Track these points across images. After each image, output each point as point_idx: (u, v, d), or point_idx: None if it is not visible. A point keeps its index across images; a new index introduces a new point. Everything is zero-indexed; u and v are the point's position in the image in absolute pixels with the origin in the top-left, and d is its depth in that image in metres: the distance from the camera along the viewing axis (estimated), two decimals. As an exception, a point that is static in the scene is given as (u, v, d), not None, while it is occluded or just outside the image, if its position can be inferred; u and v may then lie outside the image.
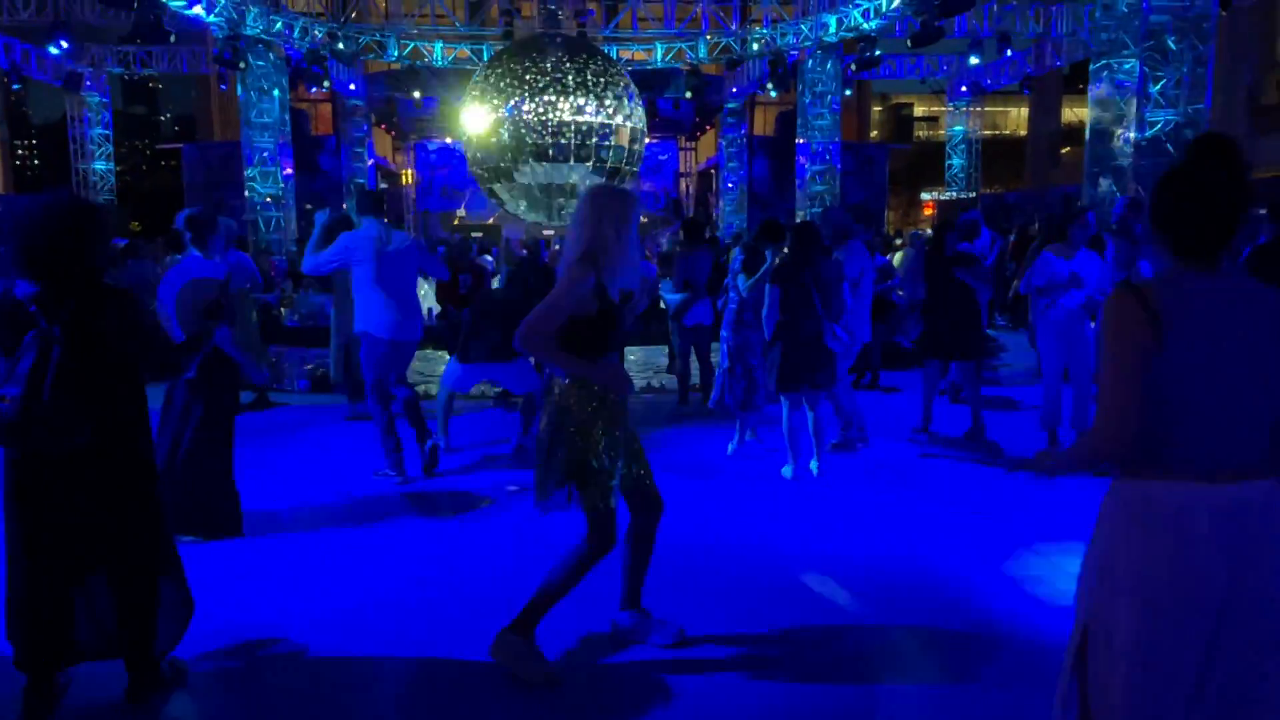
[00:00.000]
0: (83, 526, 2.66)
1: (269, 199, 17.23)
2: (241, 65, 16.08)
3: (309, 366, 8.67)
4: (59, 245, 2.59)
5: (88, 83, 22.15)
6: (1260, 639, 1.73)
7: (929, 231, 12.63)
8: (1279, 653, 1.74)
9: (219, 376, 4.22)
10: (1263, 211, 5.90)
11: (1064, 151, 29.83)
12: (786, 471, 5.39)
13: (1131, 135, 10.80)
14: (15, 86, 24.12)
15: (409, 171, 27.70)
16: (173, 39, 16.89)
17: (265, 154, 17.09)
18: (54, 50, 18.00)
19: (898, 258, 10.30)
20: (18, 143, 37.69)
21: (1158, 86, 10.69)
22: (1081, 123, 11.71)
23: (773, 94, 20.07)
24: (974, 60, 19.95)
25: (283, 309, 11.75)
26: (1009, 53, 20.05)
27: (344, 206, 20.60)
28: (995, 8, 18.58)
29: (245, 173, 17.20)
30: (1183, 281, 1.77)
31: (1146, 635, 1.73)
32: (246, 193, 17.20)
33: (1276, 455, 1.76)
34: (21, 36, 18.88)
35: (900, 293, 7.66)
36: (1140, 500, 1.76)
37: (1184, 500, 1.72)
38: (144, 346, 2.73)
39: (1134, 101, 10.76)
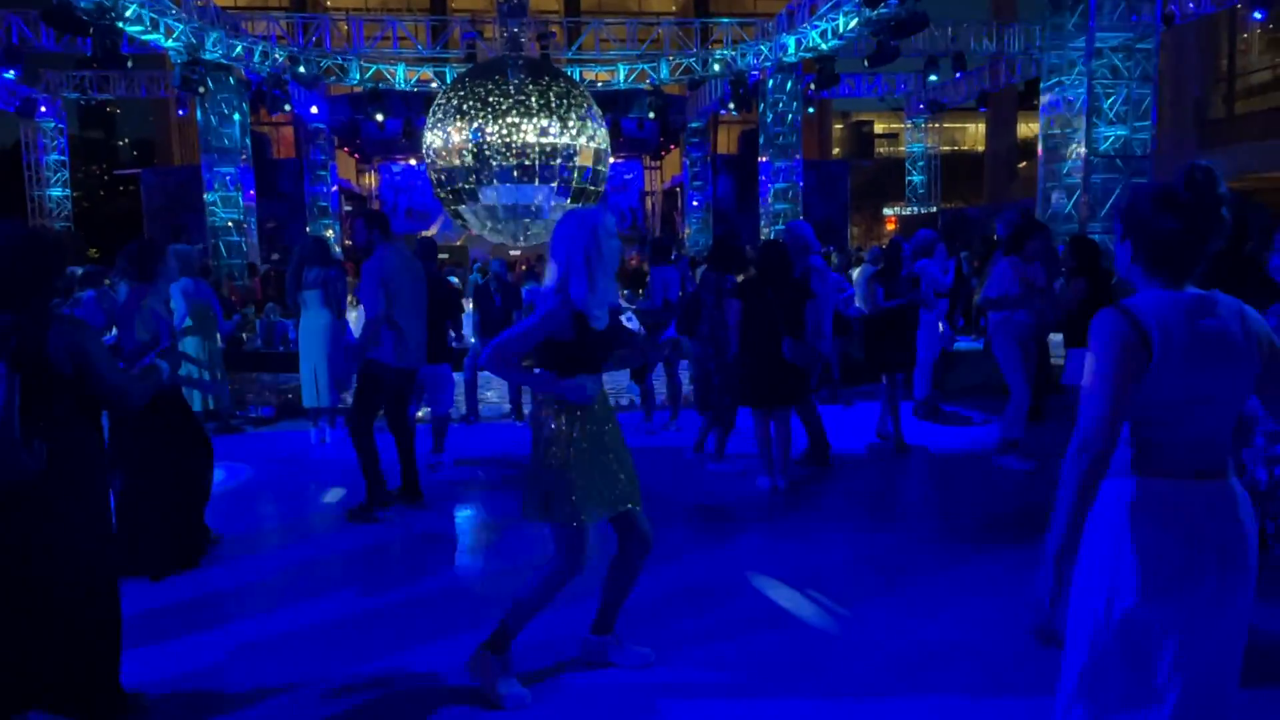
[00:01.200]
0: (29, 559, 2.58)
1: (230, 224, 17.07)
2: (201, 90, 15.96)
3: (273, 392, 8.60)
4: (13, 275, 2.56)
5: (43, 108, 21.82)
6: (1233, 624, 1.91)
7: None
8: (1243, 631, 1.93)
9: (164, 414, 4.15)
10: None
11: (1021, 166, 30.46)
12: (762, 482, 5.49)
13: (1082, 151, 11.10)
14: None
15: (373, 194, 27.55)
16: (130, 64, 16.72)
17: (226, 178, 16.96)
18: (6, 75, 17.75)
19: (856, 272, 10.47)
20: (-30, 169, 36.92)
21: (1106, 104, 11.00)
22: (1037, 138, 12.02)
23: (735, 113, 20.32)
24: (931, 79, 20.36)
25: (244, 335, 11.63)
26: (961, 73, 20.49)
27: (306, 230, 20.48)
28: (950, 28, 19.01)
29: (206, 197, 17.04)
30: (1162, 298, 1.89)
31: (1157, 620, 1.86)
32: (208, 217, 17.02)
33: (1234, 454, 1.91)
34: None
35: (858, 304, 7.82)
36: (1151, 496, 1.89)
37: (1185, 495, 1.88)
38: (95, 377, 2.66)
39: (1083, 119, 11.06)
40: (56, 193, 23.15)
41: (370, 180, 27.49)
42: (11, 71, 17.03)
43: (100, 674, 2.74)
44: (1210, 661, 1.89)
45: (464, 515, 5.32)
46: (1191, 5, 15.38)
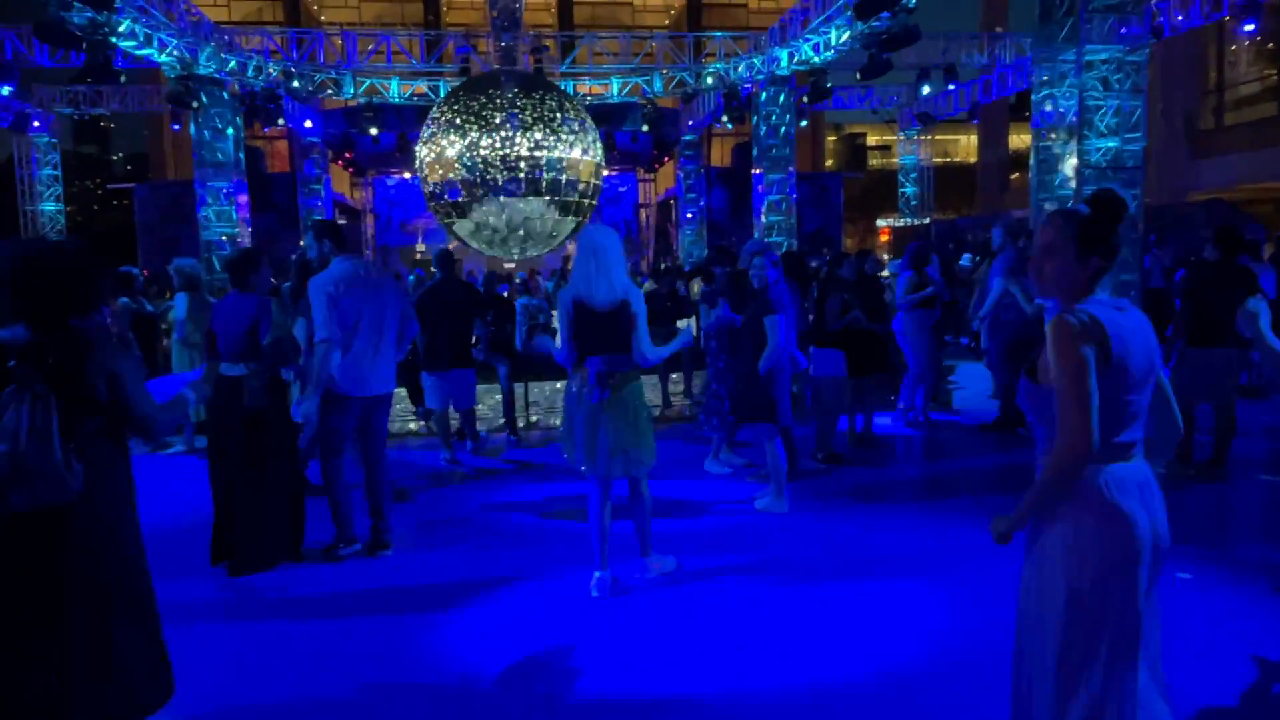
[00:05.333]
0: (61, 581, 2.48)
1: (224, 238, 17.03)
2: (194, 104, 15.95)
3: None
4: (38, 292, 2.47)
5: (36, 123, 21.79)
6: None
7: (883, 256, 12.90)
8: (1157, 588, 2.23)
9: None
10: (1206, 232, 6.14)
11: (1013, 177, 30.64)
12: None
13: (1073, 162, 11.13)
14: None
15: (367, 207, 27.55)
16: (123, 79, 16.71)
17: (220, 192, 16.92)
18: (1, 91, 17.72)
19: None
20: (-37, 184, 36.86)
21: (1097, 116, 11.04)
22: (1029, 149, 12.07)
23: (728, 126, 20.37)
24: (924, 91, 20.45)
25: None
26: (954, 85, 20.61)
27: (301, 244, 20.45)
28: (942, 41, 19.12)
29: (200, 212, 17.00)
30: (1103, 306, 2.13)
31: (1129, 591, 2.10)
32: (201, 231, 16.98)
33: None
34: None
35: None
36: (1112, 481, 2.11)
37: (1133, 476, 2.14)
38: (127, 403, 2.56)
39: (1074, 131, 11.10)
40: (50, 207, 23.09)
41: (364, 194, 27.48)
42: (5, 87, 16.97)
43: (132, 702, 2.64)
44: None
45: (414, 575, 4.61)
46: (1181, 18, 15.49)
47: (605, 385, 3.88)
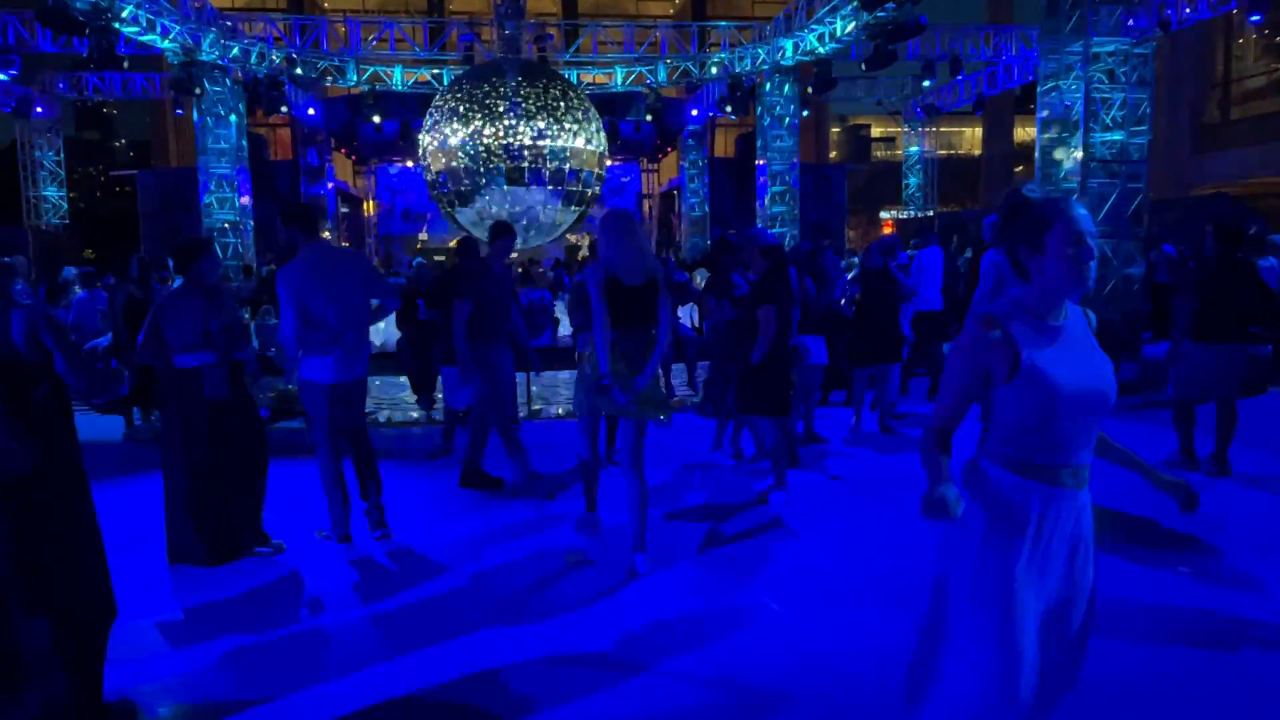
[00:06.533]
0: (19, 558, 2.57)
1: (226, 225, 17.03)
2: (197, 91, 15.93)
3: (270, 395, 8.56)
4: None
5: (39, 109, 21.76)
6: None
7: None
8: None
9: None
10: (1209, 227, 6.10)
11: (1017, 170, 30.53)
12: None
13: (1078, 155, 11.10)
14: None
15: (370, 195, 27.52)
16: (126, 65, 16.70)
17: (222, 180, 16.91)
18: (3, 76, 17.70)
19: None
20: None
21: (1103, 109, 11.01)
22: (1034, 142, 12.02)
23: (732, 116, 20.32)
24: (927, 84, 20.37)
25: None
26: (961, 74, 20.52)
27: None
28: (946, 32, 19.04)
29: (202, 199, 16.99)
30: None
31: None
32: (204, 219, 16.98)
33: None
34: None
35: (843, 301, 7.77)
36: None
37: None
38: (56, 357, 2.69)
39: (1080, 123, 11.07)
40: (52, 193, 23.09)
41: (366, 182, 27.44)
42: (6, 72, 16.94)
43: (85, 675, 2.71)
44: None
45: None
46: (1188, 10, 15.40)
47: (626, 380, 4.05)
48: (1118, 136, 11.00)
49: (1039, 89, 11.70)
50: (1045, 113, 11.50)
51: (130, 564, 4.27)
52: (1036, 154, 11.82)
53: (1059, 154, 11.33)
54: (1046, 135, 11.53)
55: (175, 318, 4.38)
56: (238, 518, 4.54)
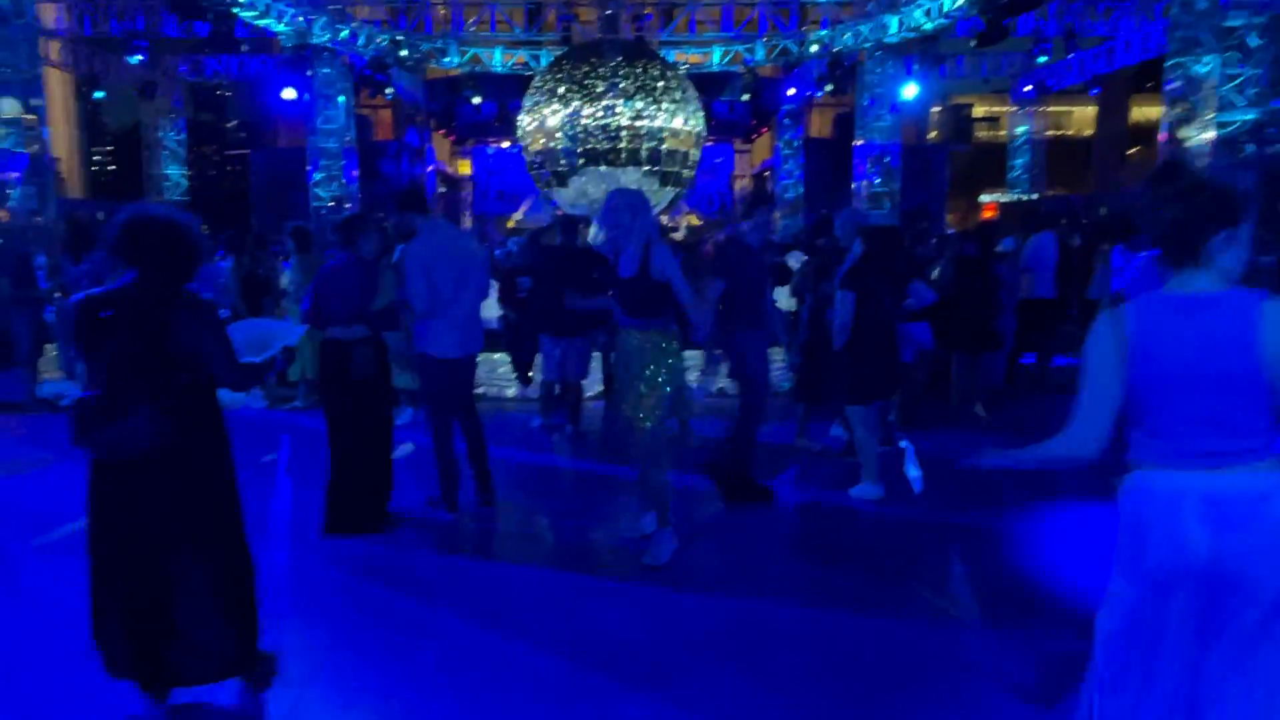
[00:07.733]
0: (163, 532, 2.70)
1: (332, 203, 17.62)
2: (309, 73, 16.49)
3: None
4: (160, 250, 2.68)
5: (161, 90, 22.88)
6: (1241, 624, 1.89)
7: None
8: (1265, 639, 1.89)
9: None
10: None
11: (1131, 152, 29.01)
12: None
13: (1207, 134, 10.49)
14: (96, 95, 25.03)
15: (467, 175, 28.06)
16: (244, 48, 17.41)
17: (330, 160, 17.50)
18: (131, 60, 18.66)
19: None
20: (94, 150, 39.10)
21: (1236, 84, 10.36)
22: (1150, 123, 11.39)
23: (830, 95, 19.86)
24: (1040, 60, 19.46)
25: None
26: (1076, 51, 19.57)
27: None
28: (1060, 6, 18.14)
29: (311, 178, 17.62)
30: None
31: (1142, 610, 1.96)
32: (312, 200, 17.61)
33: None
34: (99, 46, 19.62)
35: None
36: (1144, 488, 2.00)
37: (1176, 485, 1.94)
38: (212, 353, 2.75)
39: (1210, 100, 10.44)
40: (174, 171, 24.27)
41: (463, 165, 27.98)
42: (135, 57, 17.85)
43: (246, 624, 2.87)
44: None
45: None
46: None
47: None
48: (1251, 114, 10.35)
49: (1166, 63, 11.08)
50: (1172, 89, 10.88)
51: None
52: (1161, 132, 11.22)
53: (1187, 133, 10.73)
54: (1171, 112, 10.92)
55: (334, 289, 4.49)
56: (366, 493, 4.65)
